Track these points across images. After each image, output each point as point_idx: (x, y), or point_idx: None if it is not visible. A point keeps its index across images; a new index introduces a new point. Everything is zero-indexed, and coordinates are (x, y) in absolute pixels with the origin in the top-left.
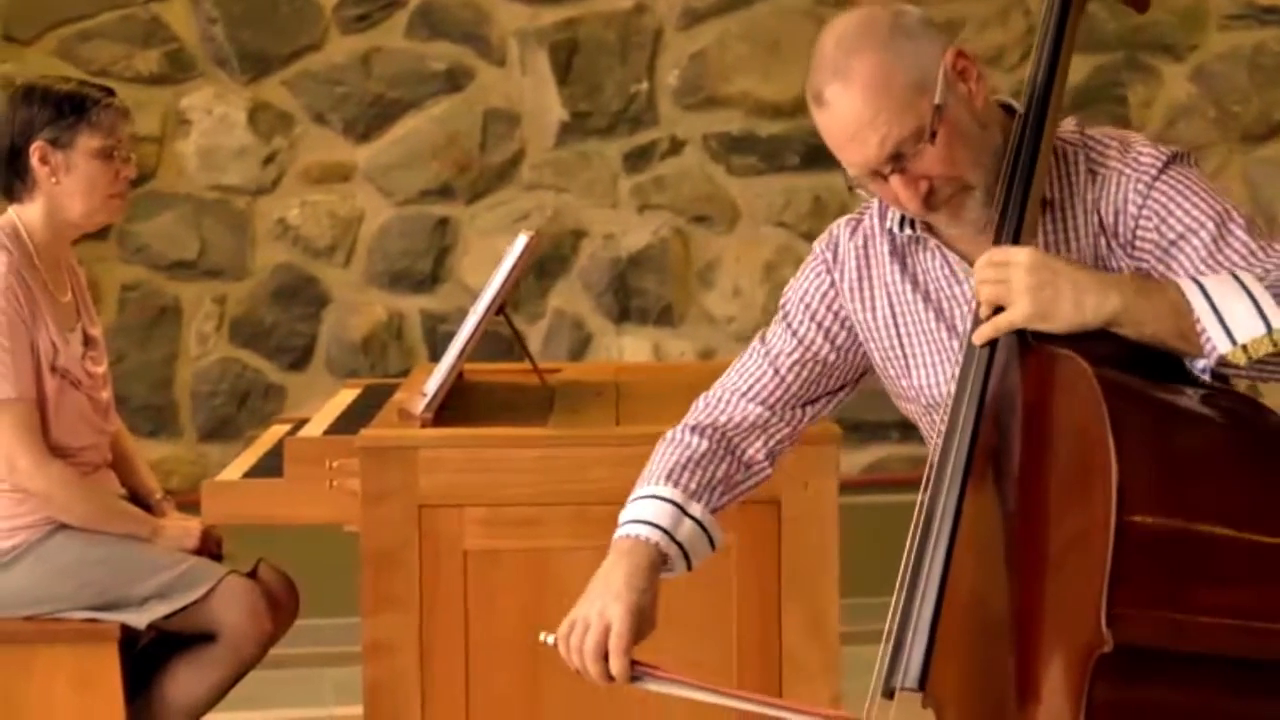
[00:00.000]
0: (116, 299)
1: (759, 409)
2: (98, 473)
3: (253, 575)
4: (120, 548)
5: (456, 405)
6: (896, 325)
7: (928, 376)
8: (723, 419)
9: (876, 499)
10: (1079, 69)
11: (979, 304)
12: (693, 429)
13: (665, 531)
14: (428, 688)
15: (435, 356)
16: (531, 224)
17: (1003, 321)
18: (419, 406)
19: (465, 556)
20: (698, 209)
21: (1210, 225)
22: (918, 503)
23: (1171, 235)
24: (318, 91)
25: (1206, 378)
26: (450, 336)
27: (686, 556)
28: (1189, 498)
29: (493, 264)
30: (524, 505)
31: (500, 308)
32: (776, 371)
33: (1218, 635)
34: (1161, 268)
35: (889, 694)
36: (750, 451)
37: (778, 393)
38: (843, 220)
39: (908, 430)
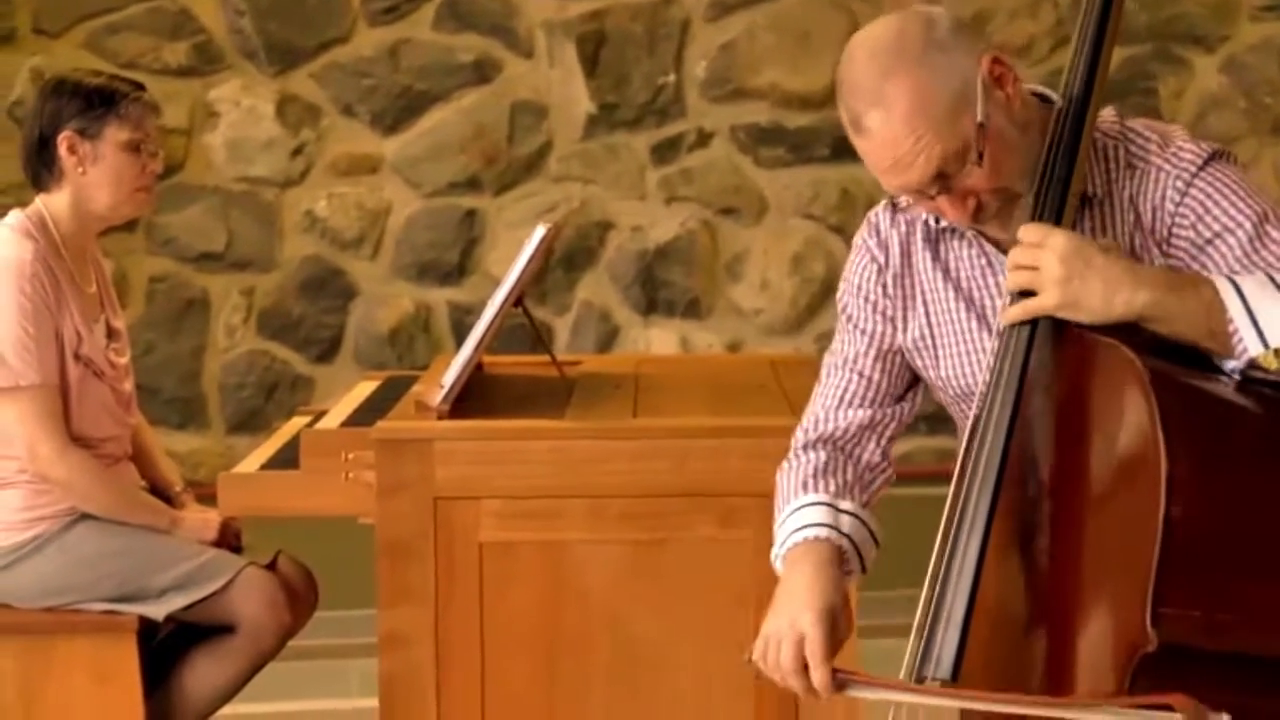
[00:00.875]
0: (144, 291)
1: (859, 411)
2: (118, 465)
3: (272, 567)
4: (139, 539)
5: (475, 397)
6: (928, 314)
7: (956, 367)
8: (828, 430)
9: (903, 492)
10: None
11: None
12: (803, 448)
13: (830, 526)
14: (443, 680)
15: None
16: (559, 216)
17: (1032, 305)
18: (436, 398)
19: (481, 549)
20: (725, 201)
21: (1248, 225)
22: (950, 493)
23: (1208, 234)
24: (345, 83)
25: (1236, 378)
26: (465, 331)
27: (858, 550)
28: (1236, 493)
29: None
30: (540, 498)
31: (518, 300)
32: (861, 374)
33: (1263, 634)
34: (1196, 266)
35: (920, 680)
36: (866, 455)
37: (870, 393)
38: (879, 207)
39: (936, 423)
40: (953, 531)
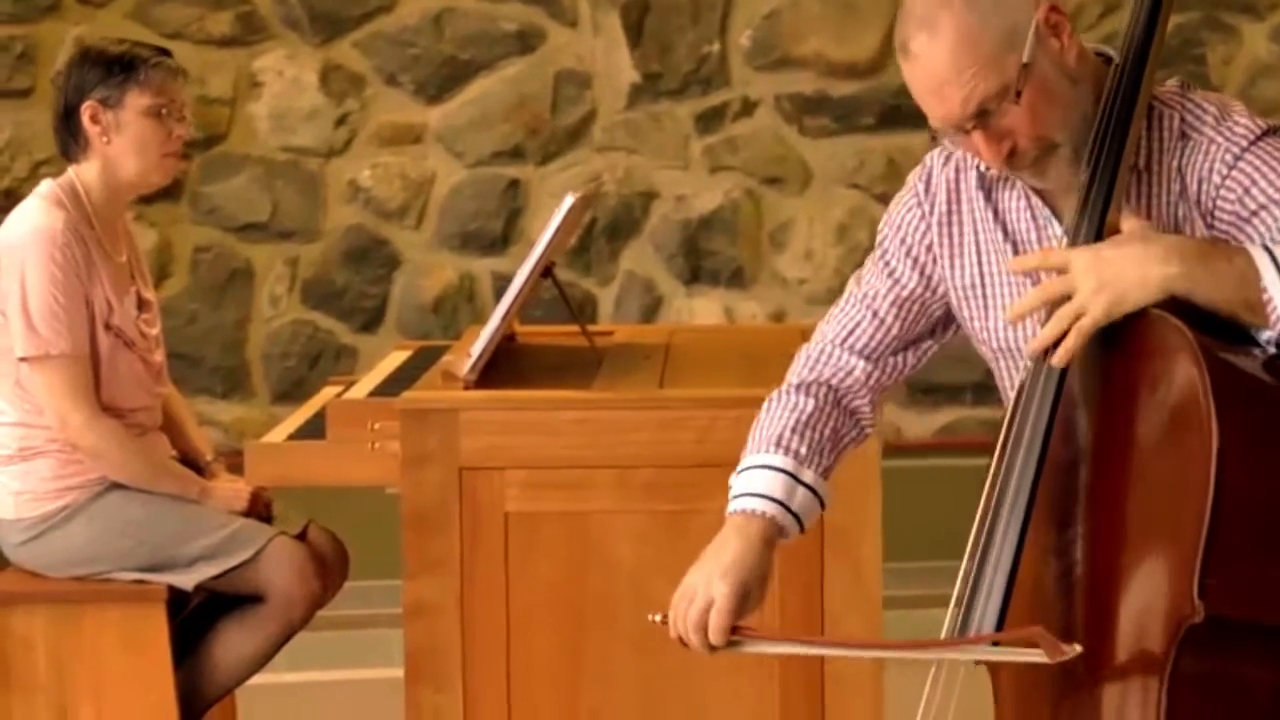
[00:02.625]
0: (189, 261)
1: (861, 361)
2: (149, 435)
3: (302, 537)
4: (169, 508)
5: (504, 367)
6: (980, 262)
7: (1001, 320)
8: (826, 372)
9: (947, 462)
10: None
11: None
12: (798, 387)
13: (780, 504)
14: (468, 650)
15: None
16: (588, 187)
17: (1085, 325)
18: (464, 368)
19: (506, 519)
20: (769, 170)
21: None
22: (993, 463)
23: (1253, 206)
24: (389, 53)
25: (1272, 348)
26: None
27: (800, 522)
28: None
29: None
30: (565, 468)
31: (547, 270)
32: (875, 314)
33: None
34: (1241, 238)
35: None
36: (857, 403)
37: (878, 337)
38: (935, 150)
39: (982, 393)
40: (994, 502)
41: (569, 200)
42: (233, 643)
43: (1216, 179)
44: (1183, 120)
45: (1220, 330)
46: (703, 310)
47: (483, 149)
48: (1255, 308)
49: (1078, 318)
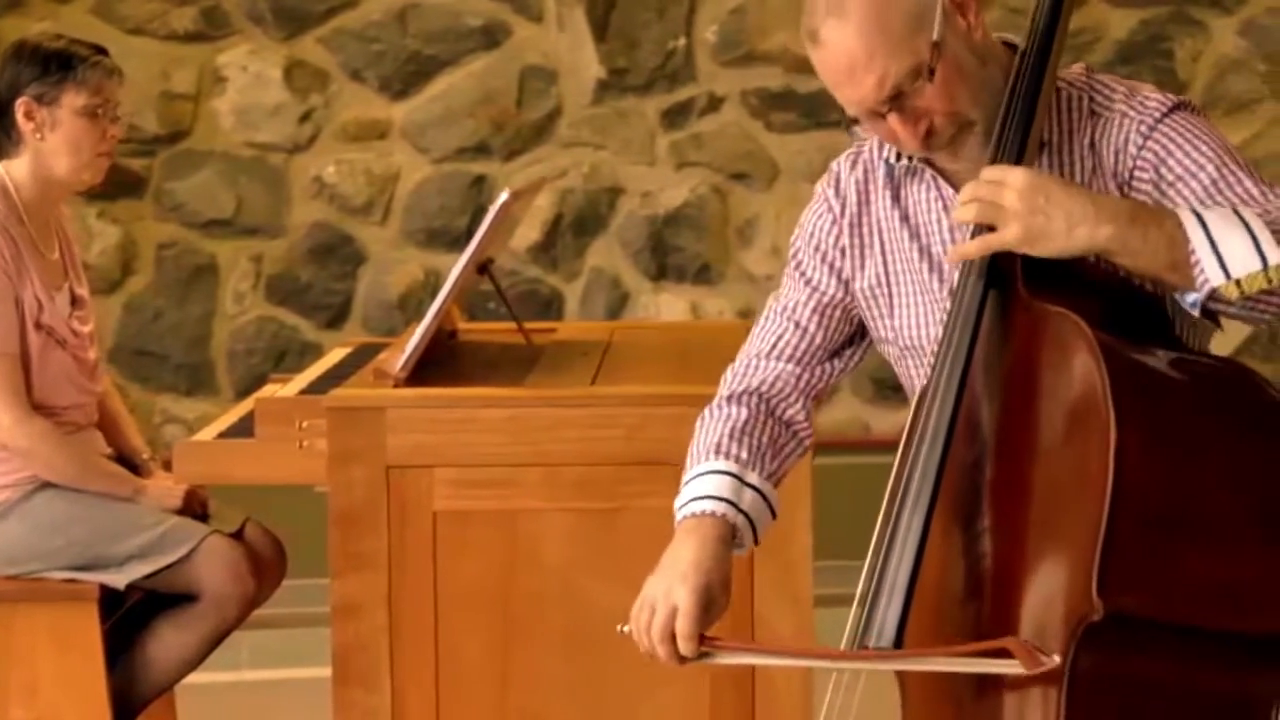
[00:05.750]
0: (153, 257)
1: (788, 365)
2: (82, 433)
3: (239, 536)
4: (102, 507)
5: (440, 365)
6: (885, 261)
7: (908, 318)
8: (754, 381)
9: (867, 460)
10: (1124, 23)
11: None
12: (728, 399)
13: (729, 503)
14: (397, 649)
15: (470, 315)
16: (569, 181)
17: (992, 240)
18: (396, 366)
19: (435, 517)
20: (736, 166)
21: (1210, 168)
22: (896, 461)
23: (1170, 177)
24: (354, 48)
25: (1196, 312)
26: (487, 296)
27: (753, 527)
28: (1183, 466)
29: (530, 222)
30: (494, 466)
31: (484, 266)
32: (797, 325)
33: (1205, 606)
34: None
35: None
36: (790, 411)
37: (803, 346)
38: (842, 156)
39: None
40: (898, 500)
41: (503, 196)
42: (167, 642)
43: (1133, 149)
44: (1092, 100)
45: (1131, 328)
46: (669, 307)
47: (448, 145)
48: (1181, 268)
49: (991, 229)
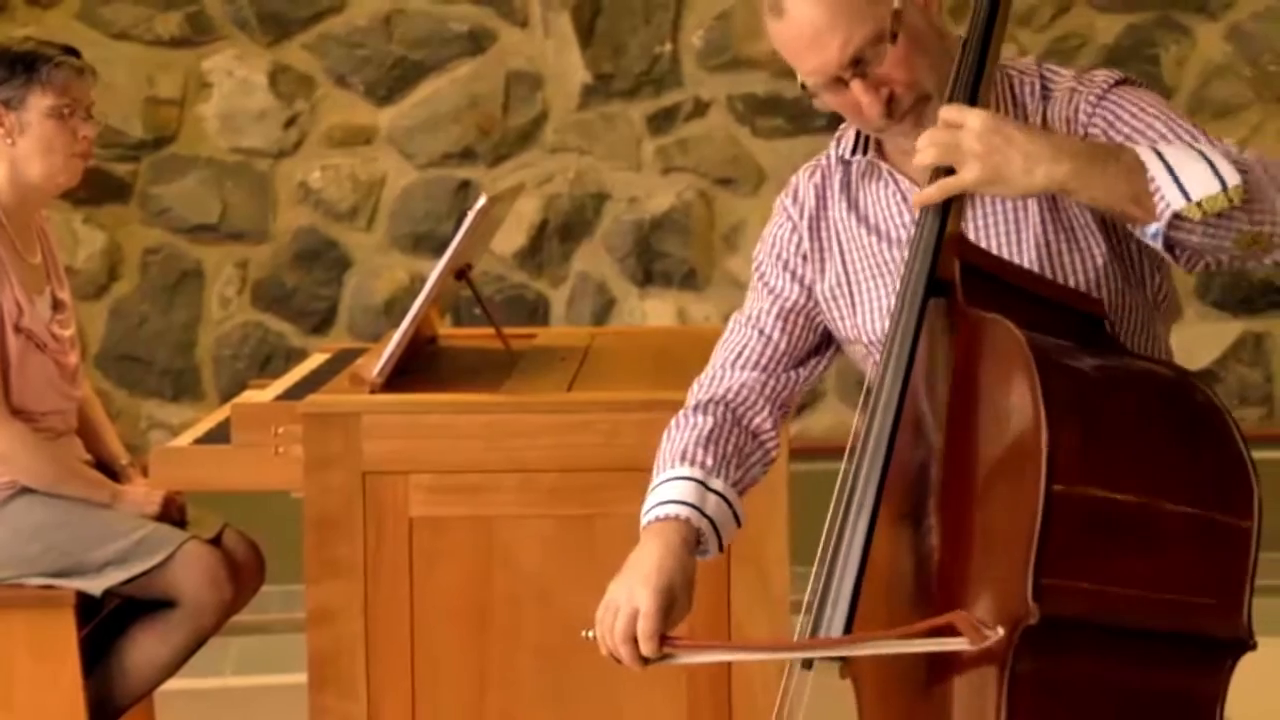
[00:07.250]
0: (139, 263)
1: (753, 373)
2: (62, 438)
3: (216, 542)
4: (78, 513)
5: (419, 371)
6: (844, 261)
7: (869, 314)
8: (720, 390)
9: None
10: (1111, 28)
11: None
12: (695, 408)
13: (693, 507)
14: (372, 655)
15: (457, 320)
16: (555, 187)
17: (951, 183)
18: (373, 371)
19: (410, 524)
20: (722, 171)
21: (1160, 125)
22: (843, 468)
23: (1119, 138)
24: (339, 54)
25: (1158, 244)
26: (472, 302)
27: (717, 532)
28: (1117, 470)
29: (516, 227)
30: (469, 472)
31: (462, 272)
32: (761, 333)
33: (1140, 608)
34: None
35: (808, 664)
36: (756, 420)
37: (767, 353)
38: (802, 168)
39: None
40: (843, 506)
41: (480, 201)
42: (144, 648)
43: (1083, 117)
44: (1043, 84)
45: (1060, 330)
46: (656, 312)
47: (434, 150)
48: (1142, 199)
49: (950, 171)
